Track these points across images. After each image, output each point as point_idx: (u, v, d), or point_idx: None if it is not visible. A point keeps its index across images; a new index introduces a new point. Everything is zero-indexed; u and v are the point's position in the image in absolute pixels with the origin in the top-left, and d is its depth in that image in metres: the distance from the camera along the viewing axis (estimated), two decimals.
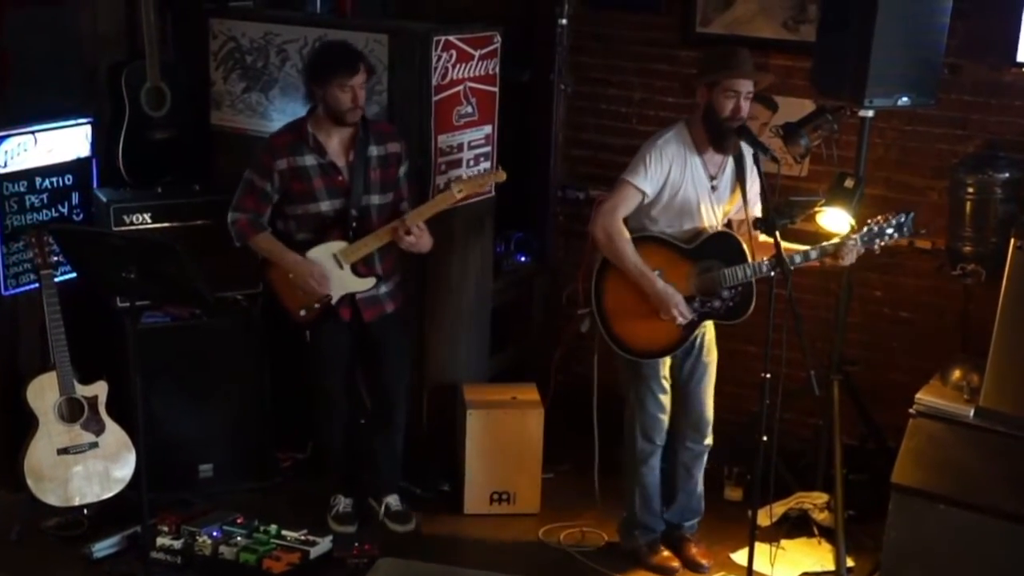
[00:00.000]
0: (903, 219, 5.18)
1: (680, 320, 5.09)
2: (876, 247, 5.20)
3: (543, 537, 5.74)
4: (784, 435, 5.32)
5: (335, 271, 5.37)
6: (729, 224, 5.29)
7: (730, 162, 5.19)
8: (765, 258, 5.05)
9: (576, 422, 5.74)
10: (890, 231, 5.18)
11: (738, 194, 5.20)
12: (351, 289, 5.41)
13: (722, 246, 5.15)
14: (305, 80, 5.43)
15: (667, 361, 5.29)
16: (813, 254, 5.14)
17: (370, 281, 5.42)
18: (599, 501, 5.60)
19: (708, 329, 5.34)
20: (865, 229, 5.17)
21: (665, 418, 5.34)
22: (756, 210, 5.18)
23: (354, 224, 5.34)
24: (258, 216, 5.41)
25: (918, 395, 5.26)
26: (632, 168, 5.09)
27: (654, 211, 5.12)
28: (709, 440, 5.45)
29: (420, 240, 5.33)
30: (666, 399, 5.31)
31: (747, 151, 5.11)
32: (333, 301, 5.40)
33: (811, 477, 5.87)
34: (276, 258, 5.40)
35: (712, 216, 5.18)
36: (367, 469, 5.80)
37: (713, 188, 5.15)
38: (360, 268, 5.39)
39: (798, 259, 5.11)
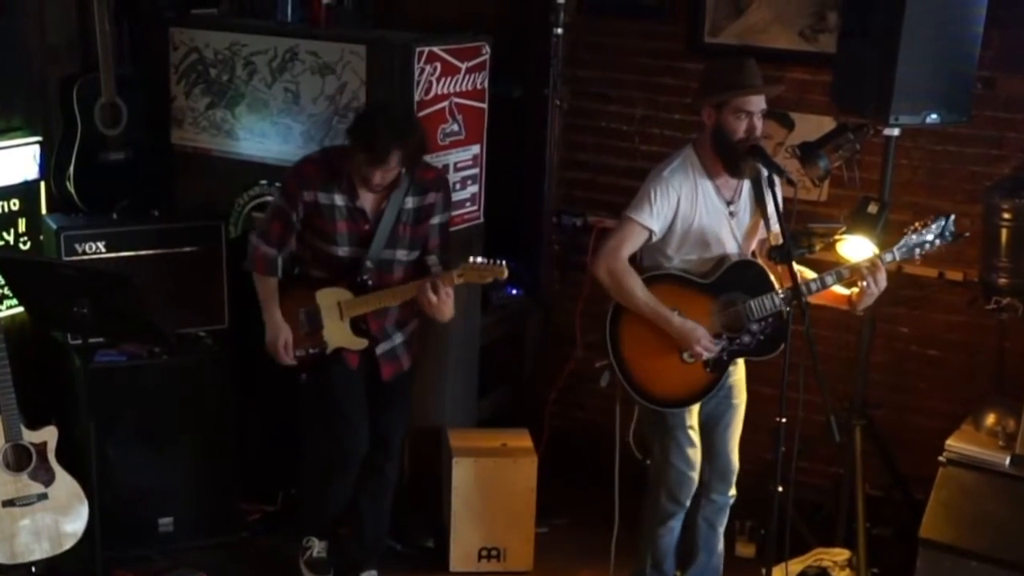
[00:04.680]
0: (943, 223, 5.10)
1: (707, 355, 5.05)
2: (916, 257, 5.13)
3: None
4: (801, 485, 5.34)
5: (334, 321, 5.32)
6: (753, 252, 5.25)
7: (747, 182, 5.14)
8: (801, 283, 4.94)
9: (572, 471, 5.75)
10: (930, 237, 5.08)
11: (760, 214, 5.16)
12: (343, 344, 5.35)
13: (744, 276, 5.10)
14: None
15: (694, 409, 5.23)
16: (829, 280, 5.05)
17: (363, 342, 5.36)
18: (612, 569, 5.57)
19: (737, 369, 5.30)
20: (902, 240, 5.08)
21: (695, 476, 5.26)
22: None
23: (366, 277, 5.28)
24: (278, 253, 5.34)
25: (948, 441, 5.28)
26: (636, 204, 5.03)
27: (668, 247, 5.08)
28: (734, 491, 5.41)
29: (444, 303, 5.20)
30: (695, 453, 5.24)
31: (763, 168, 5.03)
32: (327, 351, 5.37)
33: (831, 531, 5.85)
34: (263, 307, 5.38)
35: (735, 242, 5.14)
36: (349, 531, 5.75)
37: (731, 213, 5.11)
38: (360, 324, 5.34)
39: (815, 287, 5.04)
